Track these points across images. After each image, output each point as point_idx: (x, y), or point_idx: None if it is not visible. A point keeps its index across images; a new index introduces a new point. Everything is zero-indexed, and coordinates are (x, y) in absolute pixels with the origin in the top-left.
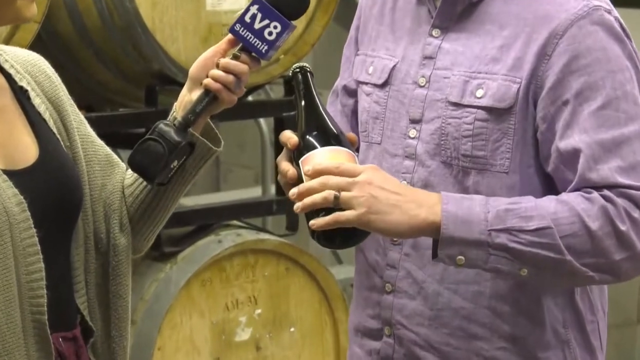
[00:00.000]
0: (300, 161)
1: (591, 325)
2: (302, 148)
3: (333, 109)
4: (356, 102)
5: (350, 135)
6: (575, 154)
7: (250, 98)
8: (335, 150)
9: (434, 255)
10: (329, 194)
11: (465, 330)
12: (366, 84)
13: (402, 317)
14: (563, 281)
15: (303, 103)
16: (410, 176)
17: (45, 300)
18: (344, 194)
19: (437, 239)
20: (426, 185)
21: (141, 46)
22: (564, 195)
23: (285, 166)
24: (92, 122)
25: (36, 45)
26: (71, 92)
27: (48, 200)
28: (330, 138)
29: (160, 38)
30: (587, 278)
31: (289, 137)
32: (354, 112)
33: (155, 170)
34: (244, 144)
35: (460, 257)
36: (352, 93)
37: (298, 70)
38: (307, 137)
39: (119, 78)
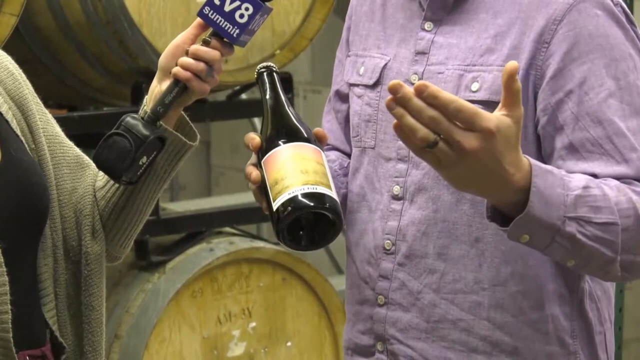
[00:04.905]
0: (262, 162)
1: (599, 337)
2: (265, 148)
3: (330, 118)
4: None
5: (319, 131)
6: (592, 146)
7: (243, 96)
8: (300, 146)
9: (491, 218)
10: (429, 135)
11: (465, 343)
12: (357, 85)
13: (396, 331)
14: (595, 275)
15: (269, 103)
16: (403, 180)
17: (10, 317)
18: (442, 147)
19: (502, 208)
20: (420, 189)
21: (127, 41)
22: (615, 182)
23: (249, 169)
24: (75, 122)
25: (14, 41)
26: (52, 90)
27: (11, 208)
28: (295, 135)
29: (147, 32)
30: (614, 277)
31: (252, 138)
32: (348, 118)
33: (121, 167)
34: (237, 146)
35: (526, 235)
36: (345, 98)
37: (264, 69)
38: (271, 136)
39: (104, 75)
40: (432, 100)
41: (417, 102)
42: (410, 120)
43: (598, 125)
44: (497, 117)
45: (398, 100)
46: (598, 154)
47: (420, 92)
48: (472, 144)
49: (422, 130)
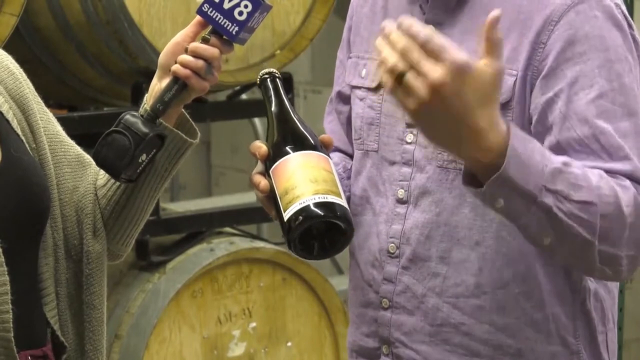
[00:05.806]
0: (271, 171)
1: (602, 336)
2: (273, 157)
3: (331, 118)
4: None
5: (325, 137)
6: (579, 146)
7: (244, 96)
8: (308, 154)
9: (467, 182)
10: (397, 64)
11: (467, 347)
12: (359, 88)
13: (401, 334)
14: (574, 263)
15: (273, 110)
16: (407, 184)
17: (11, 317)
18: (409, 79)
19: (477, 172)
20: (424, 193)
21: (127, 41)
22: (599, 170)
23: (257, 179)
24: (76, 122)
25: (14, 41)
26: (53, 90)
27: (11, 208)
28: (302, 143)
29: (147, 32)
30: (590, 268)
31: (259, 146)
32: (350, 119)
33: (120, 164)
34: (237, 146)
35: (501, 200)
36: (347, 100)
37: (267, 75)
38: (278, 144)
39: (104, 75)
40: (406, 31)
41: (394, 36)
42: (387, 51)
43: (584, 124)
44: (471, 58)
45: (384, 39)
46: (585, 153)
47: (399, 26)
48: (438, 74)
49: (394, 58)
